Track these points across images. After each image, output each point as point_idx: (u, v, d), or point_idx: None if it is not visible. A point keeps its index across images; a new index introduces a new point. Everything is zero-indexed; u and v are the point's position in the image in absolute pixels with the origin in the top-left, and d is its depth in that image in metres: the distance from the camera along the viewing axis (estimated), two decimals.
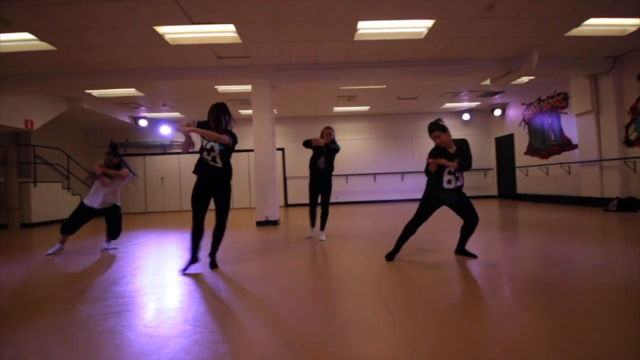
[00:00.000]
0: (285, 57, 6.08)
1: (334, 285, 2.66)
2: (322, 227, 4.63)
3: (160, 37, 4.99)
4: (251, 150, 10.95)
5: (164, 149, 11.10)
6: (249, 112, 10.08)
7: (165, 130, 10.85)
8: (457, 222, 3.42)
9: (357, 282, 2.73)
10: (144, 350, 1.64)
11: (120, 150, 4.59)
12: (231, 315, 2.09)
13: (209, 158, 3.11)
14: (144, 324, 1.98)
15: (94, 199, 4.26)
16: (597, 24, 5.28)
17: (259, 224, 6.37)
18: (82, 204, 4.30)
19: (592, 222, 5.24)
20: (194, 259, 3.15)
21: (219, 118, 3.07)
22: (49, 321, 2.07)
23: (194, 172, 3.21)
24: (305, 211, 5.54)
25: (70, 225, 4.26)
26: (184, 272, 3.09)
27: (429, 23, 4.97)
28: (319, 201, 4.64)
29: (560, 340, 1.60)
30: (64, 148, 9.60)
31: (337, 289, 2.55)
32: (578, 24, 5.18)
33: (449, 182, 3.10)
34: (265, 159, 6.43)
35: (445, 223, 5.14)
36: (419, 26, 5.11)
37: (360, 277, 2.85)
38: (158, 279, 2.96)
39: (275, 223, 6.40)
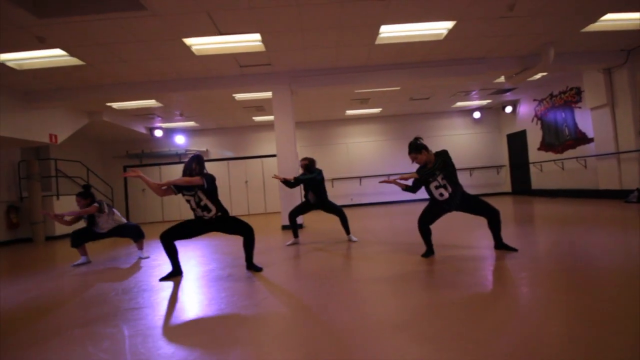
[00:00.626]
0: (305, 63, 6.20)
1: (379, 283, 2.73)
2: (348, 231, 4.66)
3: (187, 48, 5.12)
4: (265, 157, 11.14)
5: (179, 157, 11.22)
6: (263, 118, 10.25)
7: (180, 140, 10.98)
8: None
9: (403, 280, 2.80)
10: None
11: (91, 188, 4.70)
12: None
13: (201, 213, 3.22)
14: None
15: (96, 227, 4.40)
16: (612, 19, 5.37)
17: (285, 227, 6.45)
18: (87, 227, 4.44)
19: (618, 214, 5.30)
20: (177, 271, 3.33)
21: (189, 167, 3.21)
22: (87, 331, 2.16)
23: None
24: (324, 216, 5.62)
25: (75, 239, 4.39)
26: (161, 280, 3.25)
27: (450, 24, 5.08)
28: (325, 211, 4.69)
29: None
30: (82, 161, 9.74)
31: (384, 287, 2.62)
32: (595, 19, 5.27)
33: (441, 195, 3.26)
34: (288, 164, 6.52)
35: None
36: (439, 28, 5.22)
37: (402, 275, 2.92)
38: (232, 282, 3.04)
39: (300, 226, 6.48)
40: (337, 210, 4.62)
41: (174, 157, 11.21)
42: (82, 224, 4.65)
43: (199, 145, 11.28)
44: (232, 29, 4.72)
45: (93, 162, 10.45)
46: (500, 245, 3.36)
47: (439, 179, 3.22)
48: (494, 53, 6.34)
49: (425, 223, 3.37)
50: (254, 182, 11.25)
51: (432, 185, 3.26)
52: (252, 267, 3.35)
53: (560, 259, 3.01)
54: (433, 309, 2.07)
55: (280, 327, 2.02)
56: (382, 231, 5.42)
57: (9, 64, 5.18)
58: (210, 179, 3.19)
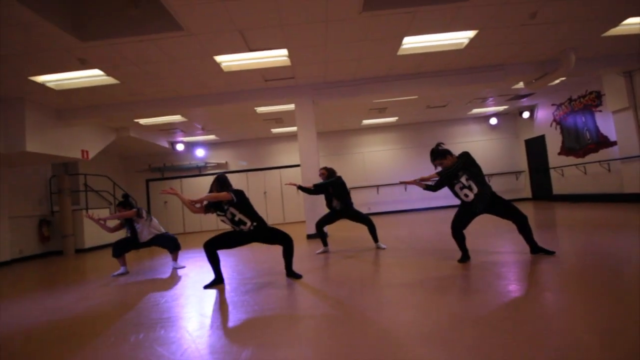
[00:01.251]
0: (327, 76, 6.37)
1: (411, 289, 2.78)
2: (376, 239, 4.72)
3: (217, 65, 5.33)
4: (283, 167, 11.30)
5: (199, 170, 11.47)
6: (281, 130, 10.45)
7: (200, 153, 11.25)
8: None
9: (441, 285, 2.84)
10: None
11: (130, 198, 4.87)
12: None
13: (238, 227, 3.34)
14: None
15: (139, 236, 4.56)
16: (633, 22, 5.40)
17: (310, 237, 6.53)
18: (128, 237, 4.59)
19: None
20: (219, 279, 3.42)
21: (210, 190, 3.38)
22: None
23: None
24: (347, 224, 5.66)
25: (116, 249, 4.55)
26: (205, 287, 3.37)
27: (472, 34, 5.19)
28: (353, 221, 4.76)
29: None
30: (108, 175, 10.04)
31: (415, 292, 2.67)
32: (616, 23, 5.31)
33: (466, 196, 3.29)
34: (311, 173, 6.63)
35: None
36: (461, 37, 5.33)
37: (439, 280, 2.96)
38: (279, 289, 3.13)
39: (326, 235, 6.53)
40: (364, 219, 4.68)
41: (195, 170, 11.47)
42: (123, 234, 4.82)
43: (218, 157, 11.52)
44: (262, 46, 4.92)
45: (117, 176, 10.77)
46: (536, 249, 3.35)
47: (463, 179, 3.27)
48: (513, 59, 6.40)
49: (458, 228, 3.40)
50: (273, 193, 11.40)
51: (457, 187, 3.31)
52: (292, 274, 3.44)
53: (597, 263, 3.02)
54: (470, 316, 2.10)
55: (328, 329, 2.09)
56: (408, 238, 5.45)
57: (48, 84, 5.47)
58: (239, 193, 3.31)
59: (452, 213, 3.48)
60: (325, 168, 4.82)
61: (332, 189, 4.62)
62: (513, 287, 2.56)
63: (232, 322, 2.36)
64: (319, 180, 6.59)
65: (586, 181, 8.74)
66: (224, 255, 5.40)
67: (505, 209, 3.31)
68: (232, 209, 3.28)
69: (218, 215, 3.35)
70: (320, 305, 2.54)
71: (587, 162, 8.57)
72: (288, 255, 3.44)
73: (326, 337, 1.98)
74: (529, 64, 6.61)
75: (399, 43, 5.23)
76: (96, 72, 5.24)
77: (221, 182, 3.37)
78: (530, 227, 3.29)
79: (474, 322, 1.96)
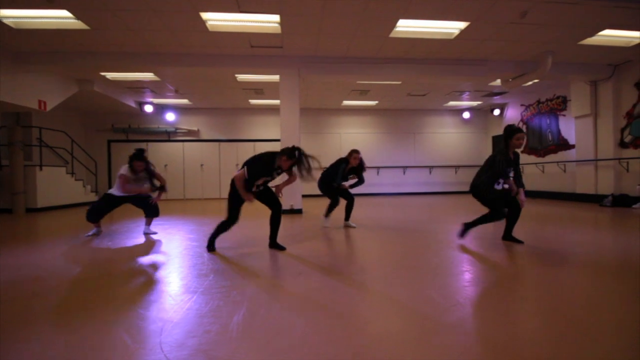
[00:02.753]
0: (317, 50, 6.20)
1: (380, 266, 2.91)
2: (348, 217, 4.90)
3: (202, 23, 4.99)
4: (257, 141, 11.05)
5: (168, 135, 10.89)
6: (260, 102, 10.15)
7: (170, 117, 10.66)
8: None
9: (405, 265, 2.99)
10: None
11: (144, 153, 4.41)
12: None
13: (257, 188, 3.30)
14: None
15: (138, 185, 4.27)
16: (608, 35, 5.75)
17: (284, 212, 6.51)
18: (107, 195, 4.29)
19: (595, 215, 5.78)
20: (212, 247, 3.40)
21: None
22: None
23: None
24: (322, 202, 5.74)
25: (94, 213, 4.25)
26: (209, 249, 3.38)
27: (463, 25, 5.26)
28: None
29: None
30: (66, 131, 9.25)
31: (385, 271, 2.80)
32: (593, 33, 5.63)
33: (498, 183, 3.45)
34: None
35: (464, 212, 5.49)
36: (453, 27, 5.39)
37: (405, 260, 3.11)
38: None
39: (299, 212, 6.57)
40: (351, 197, 4.84)
41: (163, 135, 10.88)
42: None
43: (190, 124, 10.99)
44: (253, 8, 4.66)
45: (76, 134, 9.95)
46: (508, 237, 3.61)
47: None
48: (496, 56, 6.61)
49: (502, 207, 3.47)
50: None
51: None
52: (275, 245, 3.43)
53: (552, 250, 3.31)
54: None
55: (317, 295, 2.13)
56: (377, 219, 5.61)
57: (6, 21, 4.84)
58: (249, 167, 3.18)
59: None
60: (359, 152, 4.78)
61: (358, 172, 4.76)
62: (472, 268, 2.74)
63: (218, 288, 2.32)
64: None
65: (543, 179, 9.43)
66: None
67: (510, 199, 3.50)
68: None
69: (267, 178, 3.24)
70: (309, 275, 2.56)
71: (546, 162, 9.21)
72: (275, 223, 3.39)
73: (318, 303, 2.01)
74: (510, 62, 6.86)
75: (394, 25, 5.19)
76: (64, 13, 4.70)
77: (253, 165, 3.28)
78: (518, 218, 3.54)
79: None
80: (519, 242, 3.56)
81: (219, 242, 3.74)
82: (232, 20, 5.04)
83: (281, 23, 5.09)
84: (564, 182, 8.71)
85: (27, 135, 8.09)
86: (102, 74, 7.30)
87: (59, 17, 4.81)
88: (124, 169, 4.17)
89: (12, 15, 4.74)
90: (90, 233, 4.32)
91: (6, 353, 1.51)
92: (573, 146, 8.38)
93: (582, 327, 1.69)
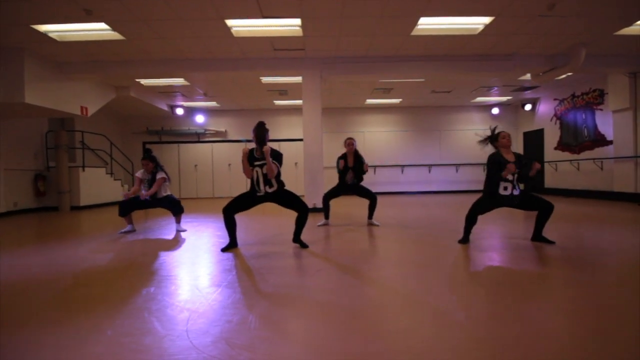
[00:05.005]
0: (338, 50, 6.27)
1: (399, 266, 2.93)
2: (371, 215, 4.91)
3: (227, 29, 5.20)
4: (283, 140, 11.28)
5: (197, 137, 11.36)
6: (284, 102, 10.35)
7: (199, 119, 11.10)
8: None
9: (426, 264, 2.99)
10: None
11: (153, 152, 4.80)
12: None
13: (264, 187, 3.40)
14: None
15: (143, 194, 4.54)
16: None
17: (309, 210, 6.64)
18: (135, 197, 4.56)
19: (634, 216, 5.45)
20: (233, 243, 3.51)
21: (263, 136, 3.38)
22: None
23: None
24: (347, 200, 5.79)
25: (122, 208, 4.55)
26: (222, 250, 3.45)
27: (487, 20, 5.13)
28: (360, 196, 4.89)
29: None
30: (105, 134, 9.90)
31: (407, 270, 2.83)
32: (629, 23, 5.31)
33: (505, 189, 3.31)
34: (314, 148, 6.67)
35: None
36: (476, 23, 5.27)
37: (430, 260, 3.11)
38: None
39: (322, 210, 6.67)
40: (371, 194, 4.86)
41: (193, 136, 11.36)
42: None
43: (218, 125, 11.40)
44: (275, 13, 4.80)
45: (114, 136, 10.61)
46: (538, 237, 3.48)
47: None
48: (524, 50, 6.37)
49: (476, 213, 3.48)
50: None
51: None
52: (299, 241, 3.55)
53: (589, 254, 3.19)
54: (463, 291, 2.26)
55: (336, 294, 2.22)
56: (401, 218, 5.60)
57: (51, 35, 5.29)
58: (280, 163, 3.45)
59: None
60: (352, 139, 4.87)
61: (354, 165, 4.76)
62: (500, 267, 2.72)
63: (239, 283, 2.48)
64: (320, 154, 6.68)
65: (578, 177, 8.96)
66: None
67: (532, 204, 3.38)
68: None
69: (256, 166, 3.38)
70: (328, 272, 2.67)
71: (582, 159, 8.75)
72: (301, 223, 3.51)
73: (335, 302, 2.11)
74: (539, 56, 6.59)
75: (415, 22, 5.16)
76: (101, 25, 5.07)
77: (279, 154, 3.49)
78: (549, 217, 3.38)
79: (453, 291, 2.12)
80: (551, 242, 3.42)
81: (245, 239, 3.93)
82: (256, 26, 5.22)
83: (302, 26, 5.20)
84: (601, 180, 8.24)
85: (71, 138, 8.75)
86: (137, 80, 7.77)
87: (97, 29, 5.19)
88: (139, 172, 4.51)
89: (56, 29, 5.17)
90: (124, 230, 4.65)
91: (50, 334, 1.73)
92: (611, 142, 7.91)
93: (600, 336, 1.67)
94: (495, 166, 3.30)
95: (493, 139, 3.47)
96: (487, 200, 3.42)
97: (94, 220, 6.32)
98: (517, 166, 3.27)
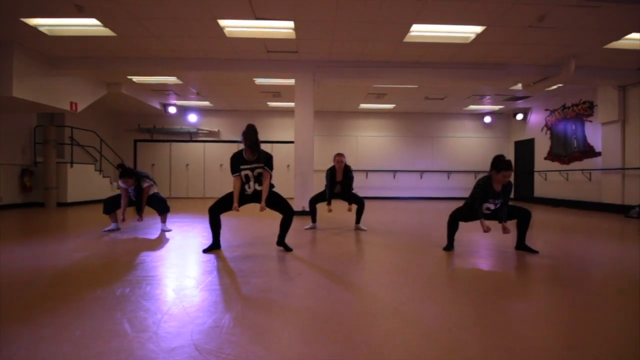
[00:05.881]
0: (331, 54, 6.28)
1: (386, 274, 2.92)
2: (359, 220, 4.93)
3: (220, 29, 5.19)
4: (275, 142, 11.25)
5: (190, 136, 11.29)
6: (278, 104, 10.34)
7: (192, 118, 11.04)
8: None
9: (410, 271, 2.99)
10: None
11: (125, 164, 4.67)
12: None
13: (254, 186, 3.40)
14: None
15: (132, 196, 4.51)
16: (635, 38, 5.49)
17: (297, 213, 6.59)
18: (120, 194, 4.53)
19: (620, 227, 5.52)
20: (216, 244, 3.48)
21: (256, 142, 3.32)
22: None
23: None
24: (336, 205, 5.77)
25: (108, 205, 4.51)
26: (204, 251, 3.41)
27: (479, 29, 5.18)
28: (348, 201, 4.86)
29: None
30: (95, 131, 9.79)
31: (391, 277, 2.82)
32: (619, 37, 5.40)
33: (487, 209, 3.38)
34: (305, 151, 6.66)
35: None
36: (468, 32, 5.32)
37: (412, 266, 3.11)
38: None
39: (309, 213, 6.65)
40: (358, 200, 4.84)
41: (185, 135, 11.29)
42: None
43: (211, 125, 11.34)
44: (268, 14, 4.80)
45: (105, 133, 10.51)
46: (521, 246, 3.49)
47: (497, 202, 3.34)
48: (516, 60, 6.45)
49: (456, 219, 3.50)
50: None
51: (485, 206, 3.36)
52: (283, 245, 3.53)
53: (573, 264, 3.21)
54: (438, 298, 2.26)
55: (315, 296, 2.20)
56: (390, 223, 5.61)
57: (41, 28, 5.22)
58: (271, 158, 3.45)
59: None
60: (342, 155, 4.83)
61: (343, 180, 4.78)
62: (489, 281, 2.72)
63: (218, 286, 2.44)
64: (310, 157, 6.66)
65: (567, 187, 9.06)
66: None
67: (513, 211, 3.41)
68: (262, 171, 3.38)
69: (246, 170, 3.34)
70: (311, 275, 2.64)
71: (571, 169, 8.86)
72: (285, 226, 3.50)
73: (314, 304, 2.08)
74: (531, 66, 6.67)
75: (407, 30, 5.19)
76: (93, 21, 5.02)
77: (269, 156, 3.45)
78: (529, 224, 3.41)
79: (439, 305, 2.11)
80: (534, 252, 3.42)
81: (230, 240, 3.89)
82: (249, 27, 5.21)
83: (296, 29, 5.21)
84: (589, 191, 8.34)
85: (60, 134, 8.64)
86: (129, 77, 7.71)
87: (88, 24, 5.14)
88: (120, 181, 4.41)
89: (47, 23, 5.11)
90: (108, 228, 4.59)
91: (18, 332, 1.68)
92: (599, 153, 8.02)
93: (580, 348, 1.67)
94: (481, 192, 3.26)
95: (497, 169, 3.22)
96: (467, 210, 3.44)
97: (79, 217, 6.22)
98: (494, 213, 3.33)
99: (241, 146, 3.42)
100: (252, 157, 3.35)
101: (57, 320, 1.83)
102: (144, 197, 4.44)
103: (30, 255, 3.31)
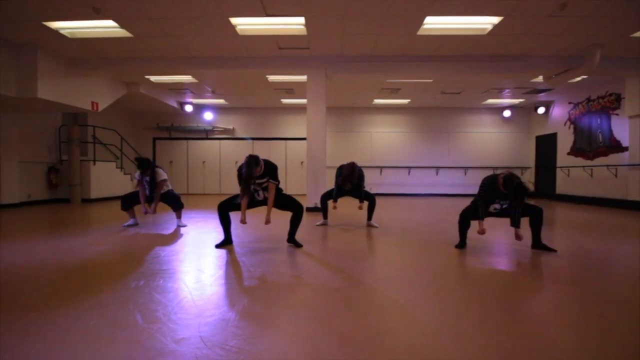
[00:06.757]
0: (343, 49, 6.24)
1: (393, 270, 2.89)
2: (371, 217, 4.87)
3: (232, 27, 5.24)
4: (289, 139, 11.30)
5: (206, 134, 11.50)
6: (291, 101, 10.37)
7: (208, 116, 11.23)
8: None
9: (419, 268, 2.94)
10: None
11: (142, 157, 4.75)
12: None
13: (262, 193, 3.47)
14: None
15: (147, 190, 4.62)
16: None
17: (309, 210, 6.65)
18: (137, 191, 4.66)
19: None
20: (228, 240, 3.52)
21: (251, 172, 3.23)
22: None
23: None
24: (348, 201, 5.75)
25: (125, 202, 4.65)
26: (216, 246, 3.46)
27: (496, 20, 5.02)
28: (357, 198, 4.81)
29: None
30: (116, 129, 10.11)
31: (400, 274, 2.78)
32: None
33: (494, 208, 3.32)
34: (317, 148, 6.66)
35: None
36: (484, 22, 5.16)
37: (424, 264, 3.06)
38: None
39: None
40: (370, 196, 4.82)
41: (202, 133, 11.50)
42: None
43: (226, 123, 11.51)
44: (279, 11, 4.80)
45: (125, 131, 10.83)
46: (538, 245, 3.39)
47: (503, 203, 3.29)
48: (536, 51, 6.21)
49: (467, 218, 3.45)
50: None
51: (493, 207, 3.33)
52: (293, 241, 3.56)
53: (592, 265, 3.09)
54: (452, 298, 2.22)
55: (323, 293, 2.20)
56: (402, 221, 5.54)
57: (62, 31, 5.42)
58: (275, 169, 3.46)
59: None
60: (354, 165, 4.71)
61: (353, 185, 4.70)
62: (503, 278, 2.65)
63: (227, 280, 2.49)
64: (323, 153, 6.65)
65: (591, 184, 8.69)
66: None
67: (520, 209, 3.29)
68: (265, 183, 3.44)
69: (254, 186, 3.40)
70: (318, 271, 2.66)
71: (595, 165, 8.48)
72: (295, 222, 3.53)
73: (320, 300, 2.10)
74: (552, 57, 6.41)
75: (421, 22, 5.08)
76: (110, 23, 5.17)
77: (273, 168, 3.46)
78: (541, 221, 3.33)
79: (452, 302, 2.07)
80: (552, 250, 3.31)
81: (242, 236, 3.95)
82: (260, 24, 5.24)
83: (306, 25, 5.19)
84: (615, 187, 7.97)
85: (83, 133, 8.97)
86: (147, 77, 7.91)
87: (106, 26, 5.30)
88: (137, 173, 4.59)
89: (67, 26, 5.30)
90: (127, 223, 4.74)
91: (34, 322, 1.77)
92: (626, 148, 7.64)
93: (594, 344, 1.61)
94: (485, 192, 3.22)
95: (508, 185, 3.07)
96: (474, 209, 3.37)
97: (101, 213, 6.46)
98: (504, 212, 3.26)
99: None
100: (256, 176, 3.34)
101: (73, 311, 1.91)
102: (158, 191, 4.56)
103: (52, 249, 3.46)
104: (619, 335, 1.68)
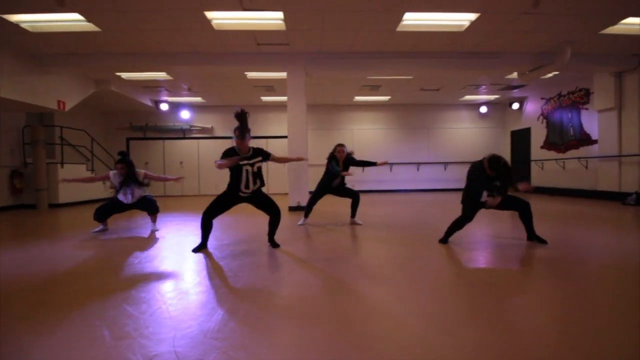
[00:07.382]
0: (322, 45, 6.14)
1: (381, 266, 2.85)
2: (354, 214, 4.85)
3: (207, 22, 5.04)
4: (270, 137, 11.12)
5: (183, 133, 11.14)
6: (271, 99, 10.20)
7: (185, 115, 10.87)
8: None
9: (404, 264, 2.92)
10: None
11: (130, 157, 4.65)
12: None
13: (247, 187, 3.30)
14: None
15: (126, 197, 4.40)
16: (632, 23, 5.39)
17: (291, 209, 6.54)
18: (114, 198, 4.45)
19: (618, 214, 5.47)
20: (204, 245, 3.40)
21: (244, 130, 3.23)
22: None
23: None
24: (332, 199, 5.71)
25: (100, 213, 4.42)
26: (194, 251, 3.33)
27: (473, 16, 5.06)
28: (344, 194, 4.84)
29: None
30: (86, 130, 9.62)
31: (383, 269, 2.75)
32: (615, 22, 5.29)
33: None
34: (298, 145, 6.55)
35: None
36: (462, 19, 5.20)
37: (406, 259, 3.04)
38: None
39: (302, 208, 6.57)
40: (354, 193, 4.80)
41: (179, 132, 11.13)
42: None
43: (204, 121, 11.19)
44: (256, 5, 4.65)
45: (96, 132, 10.33)
46: (532, 236, 3.48)
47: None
48: (511, 48, 6.34)
49: (462, 224, 3.47)
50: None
51: (485, 193, 3.34)
52: (272, 242, 3.48)
53: (575, 254, 3.15)
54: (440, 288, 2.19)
55: (303, 295, 2.12)
56: (385, 217, 5.53)
57: (23, 25, 5.05)
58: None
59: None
60: (343, 145, 4.80)
61: (344, 168, 4.74)
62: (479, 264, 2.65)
63: (206, 287, 2.36)
64: (304, 151, 6.56)
65: (564, 176, 9.01)
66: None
67: (507, 203, 3.38)
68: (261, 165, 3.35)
69: (246, 165, 3.25)
70: (301, 274, 2.56)
71: (567, 157, 8.80)
72: (274, 225, 3.49)
73: (304, 304, 2.01)
74: (526, 54, 6.56)
75: (400, 18, 5.06)
76: (75, 16, 4.86)
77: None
78: (531, 214, 3.40)
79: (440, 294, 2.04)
80: (543, 242, 3.41)
81: (221, 238, 3.81)
82: (237, 19, 5.06)
83: (285, 20, 5.07)
84: (586, 179, 8.29)
85: (50, 134, 8.47)
86: (118, 74, 7.53)
87: (71, 20, 4.97)
88: (111, 172, 4.42)
89: (28, 19, 4.95)
90: (96, 230, 4.49)
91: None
92: (596, 141, 7.96)
93: (586, 337, 1.60)
94: (478, 175, 3.28)
95: (494, 165, 3.21)
96: (470, 211, 3.39)
97: (70, 219, 6.11)
98: (497, 190, 3.27)
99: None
100: (246, 152, 3.27)
101: (31, 329, 1.74)
102: (157, 178, 4.69)
103: (15, 258, 3.21)
104: (614, 329, 1.68)
